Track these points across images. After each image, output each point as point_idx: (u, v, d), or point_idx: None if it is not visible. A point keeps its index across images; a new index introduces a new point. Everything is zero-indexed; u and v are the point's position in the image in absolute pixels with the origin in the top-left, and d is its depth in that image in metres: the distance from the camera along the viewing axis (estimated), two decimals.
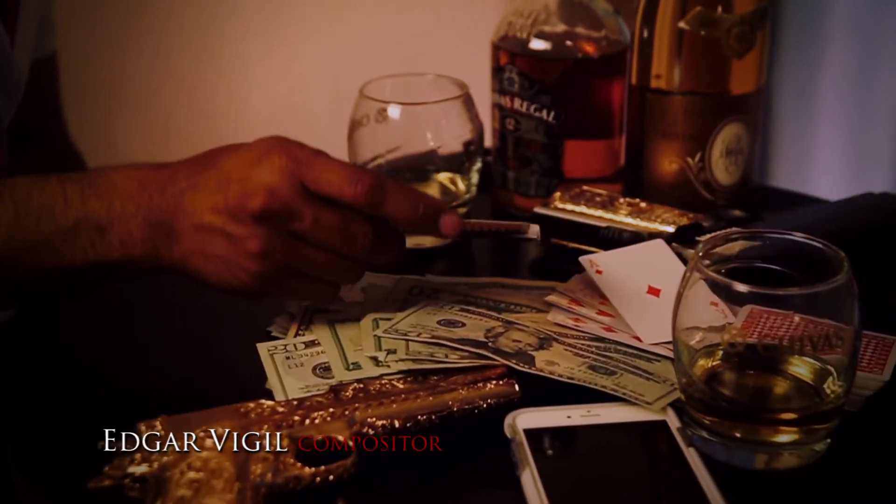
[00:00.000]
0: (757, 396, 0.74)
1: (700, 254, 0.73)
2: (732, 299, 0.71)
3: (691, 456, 0.71)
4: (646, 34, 1.02)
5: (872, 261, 1.01)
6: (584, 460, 0.73)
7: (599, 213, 0.99)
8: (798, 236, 0.75)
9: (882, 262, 1.02)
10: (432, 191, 1.05)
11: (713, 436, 0.73)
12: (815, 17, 1.90)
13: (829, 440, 0.74)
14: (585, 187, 1.03)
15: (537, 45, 1.04)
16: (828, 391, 0.73)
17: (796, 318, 0.71)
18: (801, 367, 0.74)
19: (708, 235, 0.90)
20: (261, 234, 0.78)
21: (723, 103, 1.02)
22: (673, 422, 0.74)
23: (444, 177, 1.05)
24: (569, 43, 1.05)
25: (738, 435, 0.72)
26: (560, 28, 1.05)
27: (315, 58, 1.78)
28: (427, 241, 1.03)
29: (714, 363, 0.74)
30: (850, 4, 1.86)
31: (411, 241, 1.03)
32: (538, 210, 1.01)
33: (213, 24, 1.72)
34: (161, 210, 0.80)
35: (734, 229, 0.78)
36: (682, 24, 0.99)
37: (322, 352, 0.82)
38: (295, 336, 0.85)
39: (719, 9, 0.99)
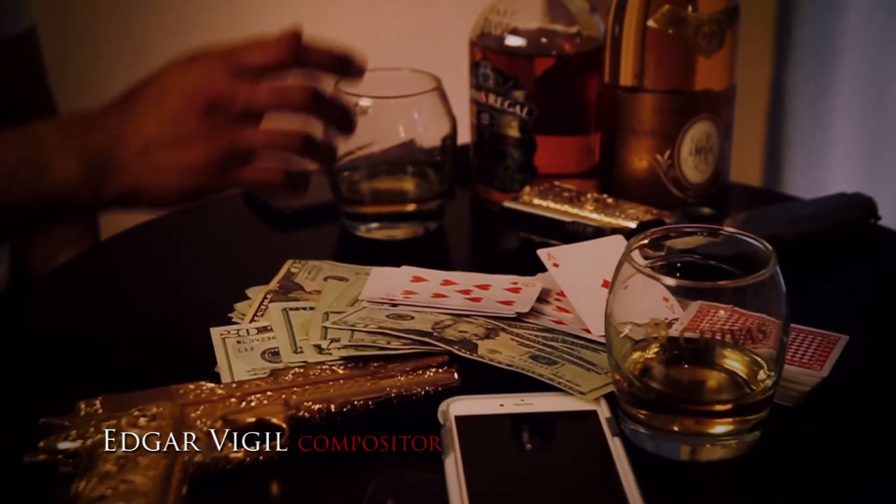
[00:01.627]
0: (685, 389, 0.75)
1: (631, 248, 0.74)
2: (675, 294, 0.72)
3: (615, 446, 0.72)
4: (617, 32, 1.03)
5: (841, 261, 1.02)
6: (509, 448, 0.74)
7: (566, 208, 1.01)
8: (732, 231, 0.76)
9: (850, 262, 1.02)
10: (407, 184, 1.07)
11: (642, 427, 0.74)
12: (829, 20, 1.89)
13: (758, 432, 0.74)
14: (556, 182, 1.04)
15: (512, 41, 1.06)
16: (758, 382, 0.74)
17: (721, 312, 0.72)
18: (734, 361, 0.75)
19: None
20: (207, 125, 0.83)
21: (692, 101, 1.02)
22: (603, 412, 0.75)
23: (419, 170, 1.06)
24: (544, 40, 1.06)
25: (667, 427, 0.73)
26: (535, 25, 1.06)
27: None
28: (399, 234, 1.05)
29: (649, 357, 0.76)
30: (864, 8, 1.86)
31: (383, 234, 1.05)
32: (507, 204, 1.03)
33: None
34: (97, 146, 0.84)
35: (669, 225, 0.79)
36: (650, 23, 1.00)
37: (273, 337, 0.84)
38: (250, 322, 0.87)
39: (689, 8, 1.00)
